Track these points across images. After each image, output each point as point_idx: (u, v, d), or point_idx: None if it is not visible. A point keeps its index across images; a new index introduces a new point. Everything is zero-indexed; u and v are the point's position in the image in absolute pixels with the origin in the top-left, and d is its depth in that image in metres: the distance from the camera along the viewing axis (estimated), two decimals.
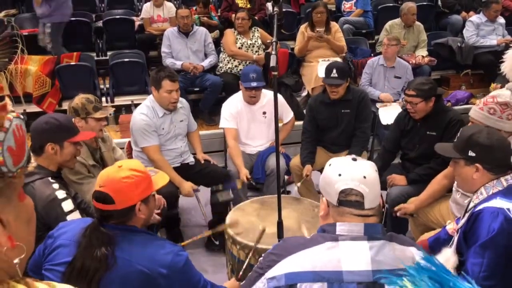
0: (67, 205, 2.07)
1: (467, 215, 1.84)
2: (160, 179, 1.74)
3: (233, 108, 3.59)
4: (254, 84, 3.44)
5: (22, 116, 0.85)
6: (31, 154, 1.96)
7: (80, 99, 2.74)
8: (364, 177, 1.33)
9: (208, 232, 2.57)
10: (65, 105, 5.04)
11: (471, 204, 1.86)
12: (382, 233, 1.34)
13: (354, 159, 1.39)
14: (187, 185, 3.23)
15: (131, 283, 1.50)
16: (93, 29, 5.98)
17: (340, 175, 1.35)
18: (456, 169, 1.93)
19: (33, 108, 4.93)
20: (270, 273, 1.32)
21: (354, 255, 1.29)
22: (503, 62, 3.24)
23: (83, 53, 5.39)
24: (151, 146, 3.23)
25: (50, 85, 4.90)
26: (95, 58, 5.69)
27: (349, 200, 1.33)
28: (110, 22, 5.92)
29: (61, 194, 2.07)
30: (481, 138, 1.83)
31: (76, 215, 2.08)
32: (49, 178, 2.11)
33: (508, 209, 1.68)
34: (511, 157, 1.86)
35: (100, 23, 6.03)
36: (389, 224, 3.17)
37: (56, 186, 2.09)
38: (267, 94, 3.63)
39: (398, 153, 3.39)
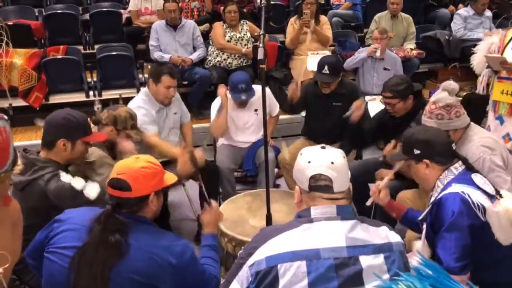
0: (77, 183, 2.11)
1: (429, 206, 1.95)
2: (169, 177, 1.79)
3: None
4: (243, 97, 3.39)
5: (6, 117, 0.81)
6: (42, 147, 1.96)
7: (125, 112, 2.77)
8: (332, 162, 1.43)
9: None
10: (52, 99, 5.03)
11: (432, 199, 1.97)
12: (353, 214, 1.43)
13: (323, 147, 1.49)
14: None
15: (141, 272, 1.53)
16: (79, 22, 5.88)
17: (309, 162, 1.44)
18: (411, 170, 2.10)
19: (19, 102, 4.87)
20: (251, 260, 1.37)
21: (329, 233, 1.37)
22: (474, 53, 3.27)
23: (69, 46, 5.30)
24: (154, 134, 3.20)
25: (36, 79, 4.82)
26: (82, 51, 5.60)
27: (319, 185, 1.42)
28: (97, 15, 5.84)
29: (65, 177, 2.11)
30: (419, 135, 2.03)
31: (92, 185, 2.12)
32: (59, 172, 2.14)
33: (463, 191, 1.82)
34: (452, 146, 2.01)
35: (87, 16, 5.93)
36: (379, 219, 3.18)
37: (62, 174, 2.12)
38: (256, 90, 3.57)
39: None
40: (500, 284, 1.85)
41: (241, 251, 1.46)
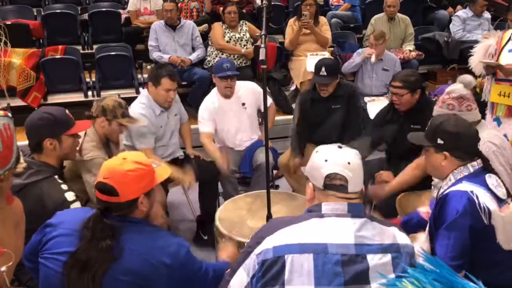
0: (69, 195, 2.08)
1: (435, 201, 1.91)
2: (163, 171, 1.74)
3: (209, 107, 3.50)
4: (228, 72, 3.39)
5: (10, 114, 0.80)
6: (32, 153, 1.92)
7: (112, 101, 2.75)
8: (349, 163, 1.43)
9: None
10: (51, 99, 5.02)
11: (441, 191, 1.93)
12: (363, 212, 1.44)
13: (340, 147, 1.49)
14: (187, 177, 3.19)
15: (136, 274, 1.50)
16: (78, 22, 5.88)
17: (326, 160, 1.44)
18: (427, 156, 2.02)
19: (17, 102, 4.85)
20: (259, 249, 1.38)
21: (338, 229, 1.38)
22: (471, 55, 3.27)
23: (68, 46, 5.30)
24: (148, 148, 3.19)
25: (35, 79, 4.80)
26: (81, 51, 5.59)
27: (334, 184, 1.43)
28: (96, 15, 5.83)
29: (70, 196, 2.07)
30: (448, 126, 1.91)
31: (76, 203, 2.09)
32: (56, 178, 2.10)
33: (472, 191, 1.76)
34: (478, 145, 1.94)
35: (85, 16, 5.93)
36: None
37: (64, 187, 2.09)
38: (241, 86, 3.58)
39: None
40: (497, 287, 1.83)
41: (248, 241, 1.47)
